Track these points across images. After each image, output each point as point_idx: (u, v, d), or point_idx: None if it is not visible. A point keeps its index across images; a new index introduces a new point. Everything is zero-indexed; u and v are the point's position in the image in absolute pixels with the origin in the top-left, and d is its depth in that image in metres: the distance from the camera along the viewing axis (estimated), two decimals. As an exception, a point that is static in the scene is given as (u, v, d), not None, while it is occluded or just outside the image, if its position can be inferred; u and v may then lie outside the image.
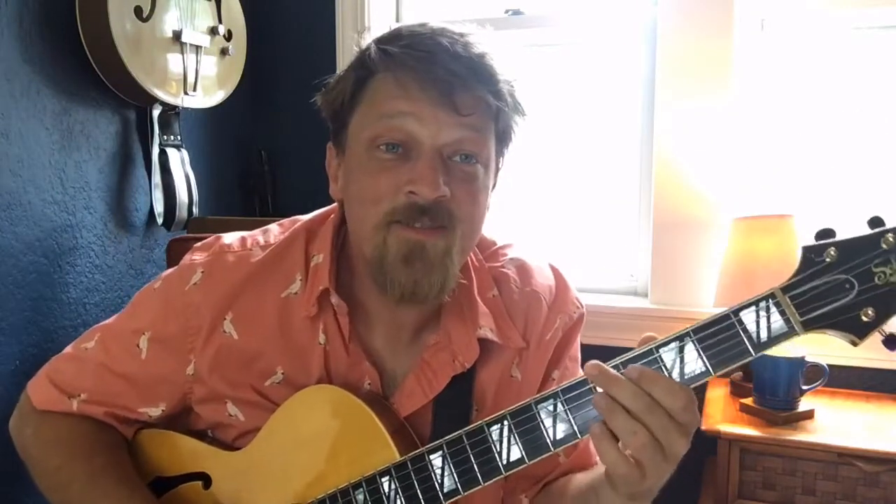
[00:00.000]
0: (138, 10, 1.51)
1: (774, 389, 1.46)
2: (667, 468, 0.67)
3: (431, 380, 0.87)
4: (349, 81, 0.83)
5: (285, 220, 0.98)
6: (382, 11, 2.05)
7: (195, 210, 1.77)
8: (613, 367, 0.69)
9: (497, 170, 0.90)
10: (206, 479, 0.93)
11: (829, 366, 1.49)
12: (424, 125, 0.78)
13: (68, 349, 0.99)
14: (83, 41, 1.49)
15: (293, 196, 2.11)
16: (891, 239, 0.62)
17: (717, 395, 1.62)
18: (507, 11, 1.99)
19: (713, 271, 1.67)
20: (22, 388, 1.02)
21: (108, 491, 0.89)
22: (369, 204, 0.80)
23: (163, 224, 1.73)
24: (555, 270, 0.99)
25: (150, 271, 1.72)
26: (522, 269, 0.96)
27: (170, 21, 1.59)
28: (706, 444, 1.48)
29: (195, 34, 1.65)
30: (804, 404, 1.48)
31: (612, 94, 1.96)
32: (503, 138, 0.88)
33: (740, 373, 1.64)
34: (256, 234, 0.96)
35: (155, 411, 0.94)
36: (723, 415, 1.50)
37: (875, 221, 0.64)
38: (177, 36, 1.60)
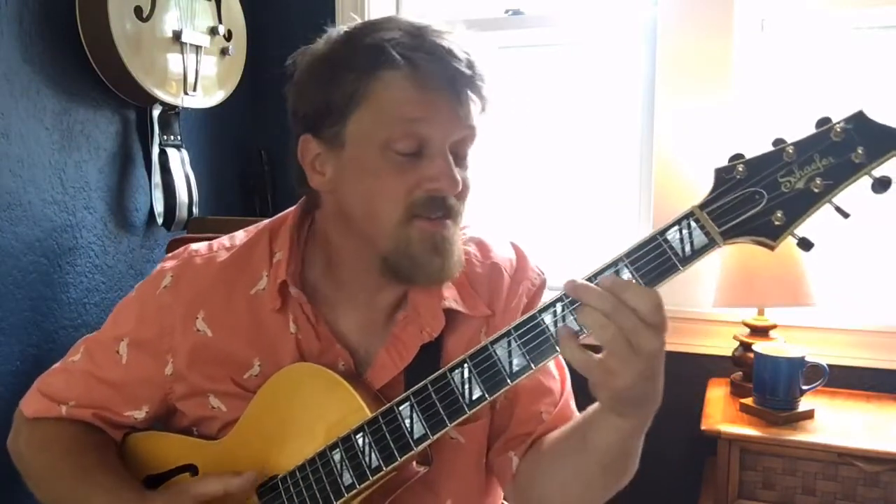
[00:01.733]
0: (138, 10, 1.51)
1: (774, 389, 1.46)
2: (641, 365, 0.69)
3: (402, 351, 0.91)
4: (349, 77, 0.84)
5: (251, 226, 1.03)
6: (382, 11, 2.05)
7: (195, 210, 1.77)
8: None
9: None
10: (193, 470, 0.95)
11: (829, 366, 1.49)
12: (438, 127, 0.83)
13: (57, 365, 1.03)
14: (83, 41, 1.49)
15: (293, 196, 2.10)
16: (791, 151, 0.68)
17: (717, 395, 1.62)
18: (507, 11, 1.99)
19: (713, 271, 1.67)
20: (22, 387, 1.03)
21: (99, 482, 0.92)
22: (387, 202, 0.84)
23: (163, 224, 1.73)
24: (514, 245, 1.04)
25: (150, 271, 1.70)
26: (481, 245, 1.01)
27: (170, 21, 1.59)
28: (706, 444, 1.48)
29: (195, 34, 1.65)
30: (804, 404, 1.48)
31: (612, 93, 1.96)
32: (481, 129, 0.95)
33: (740, 373, 1.64)
34: (223, 239, 1.01)
35: (139, 414, 0.98)
36: (723, 415, 1.50)
37: (777, 141, 0.70)
38: (177, 36, 1.60)
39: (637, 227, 1.92)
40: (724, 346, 1.71)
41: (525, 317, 0.75)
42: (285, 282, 0.91)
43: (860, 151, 0.67)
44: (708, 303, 1.65)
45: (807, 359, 1.47)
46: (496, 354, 0.76)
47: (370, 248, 0.88)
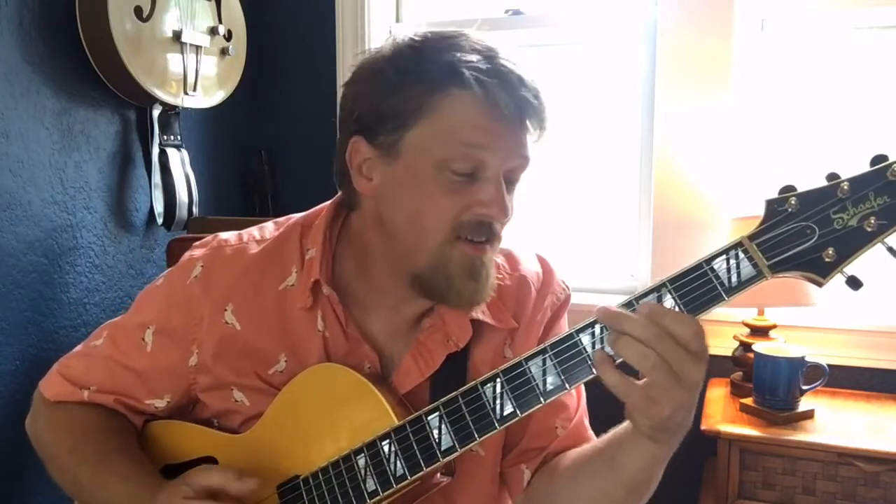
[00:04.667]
0: (138, 10, 1.51)
1: (774, 389, 1.46)
2: (683, 396, 0.69)
3: (427, 359, 0.91)
4: (418, 89, 0.83)
5: (280, 219, 1.02)
6: (382, 11, 2.05)
7: (195, 210, 1.77)
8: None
9: None
10: (213, 462, 0.94)
11: (829, 366, 1.49)
12: (497, 154, 0.83)
13: (78, 348, 1.02)
14: (83, 41, 1.49)
15: (293, 196, 2.11)
16: (845, 187, 0.67)
17: (717, 395, 1.62)
18: (507, 11, 1.99)
19: (713, 271, 1.67)
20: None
21: (118, 469, 0.91)
22: (435, 219, 0.84)
23: (163, 224, 1.73)
24: (541, 258, 1.04)
25: (150, 271, 1.72)
26: (510, 257, 1.01)
27: (170, 21, 1.59)
28: (706, 444, 1.48)
29: (195, 34, 1.65)
30: (804, 404, 1.48)
31: (612, 94, 1.96)
32: None
33: (740, 373, 1.64)
34: (252, 231, 1.00)
35: (161, 403, 0.98)
36: (723, 415, 1.50)
37: (832, 175, 0.69)
38: (177, 36, 1.60)
39: (637, 227, 1.92)
40: (724, 346, 1.70)
41: (562, 335, 0.75)
42: (318, 281, 0.91)
43: None
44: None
45: (807, 359, 1.47)
46: (530, 371, 0.75)
47: (405, 261, 0.87)
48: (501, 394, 0.76)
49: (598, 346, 0.72)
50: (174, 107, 1.69)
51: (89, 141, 1.58)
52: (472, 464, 0.92)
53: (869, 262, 0.71)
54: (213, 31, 1.71)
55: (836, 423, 1.46)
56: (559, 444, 0.95)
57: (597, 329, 0.73)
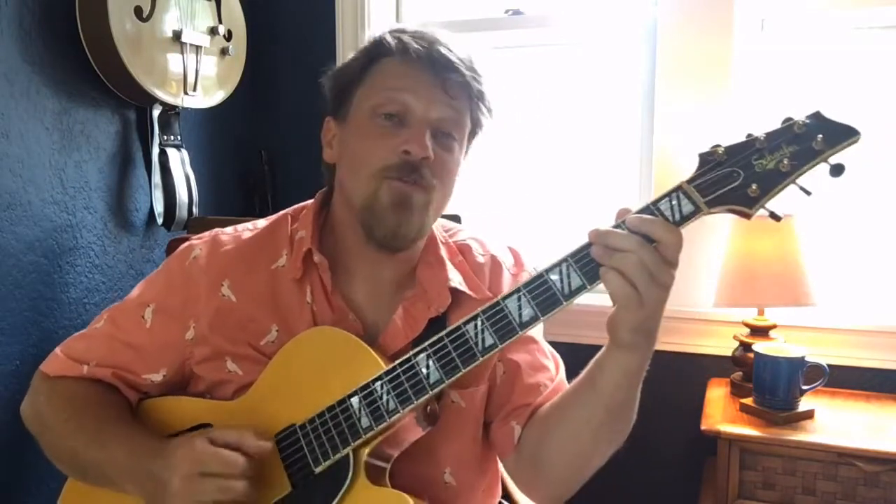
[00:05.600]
0: (138, 10, 1.51)
1: (774, 389, 1.46)
2: (659, 294, 0.79)
3: (412, 324, 0.99)
4: (359, 62, 0.99)
5: (272, 216, 1.11)
6: (382, 11, 2.05)
7: (195, 210, 1.77)
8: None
9: (465, 155, 1.04)
10: (209, 428, 0.95)
11: (829, 366, 1.49)
12: (419, 99, 0.95)
13: (80, 332, 1.08)
14: (83, 41, 1.49)
15: (293, 196, 2.09)
16: (762, 139, 0.81)
17: (717, 395, 1.62)
18: (507, 11, 1.99)
19: (713, 271, 1.67)
20: (22, 388, 1.04)
21: (118, 432, 0.95)
22: (367, 160, 0.95)
23: (163, 224, 1.73)
24: (511, 249, 1.14)
25: (150, 271, 1.70)
26: (480, 241, 1.12)
27: (170, 21, 1.59)
28: (706, 444, 1.48)
29: (195, 34, 1.65)
30: (804, 404, 1.48)
31: (612, 93, 1.96)
32: (474, 128, 1.03)
33: (740, 373, 1.64)
34: (247, 224, 1.10)
35: (157, 377, 1.02)
36: (723, 415, 1.50)
37: (749, 133, 0.82)
38: (177, 36, 1.60)
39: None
40: (724, 346, 1.71)
41: (533, 276, 0.84)
42: (310, 250, 0.99)
43: (819, 139, 0.80)
44: (708, 303, 1.65)
45: (807, 359, 1.47)
46: (507, 308, 0.84)
47: (353, 210, 0.97)
48: (482, 329, 0.84)
49: (565, 281, 0.82)
50: (174, 107, 1.69)
51: (89, 141, 1.58)
52: (455, 415, 0.99)
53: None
54: (213, 31, 1.71)
55: (836, 423, 1.47)
56: (544, 399, 1.01)
57: (563, 267, 0.82)
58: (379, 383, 0.88)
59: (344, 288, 1.01)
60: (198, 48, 1.66)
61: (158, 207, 1.71)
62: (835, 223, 1.74)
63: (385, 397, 0.87)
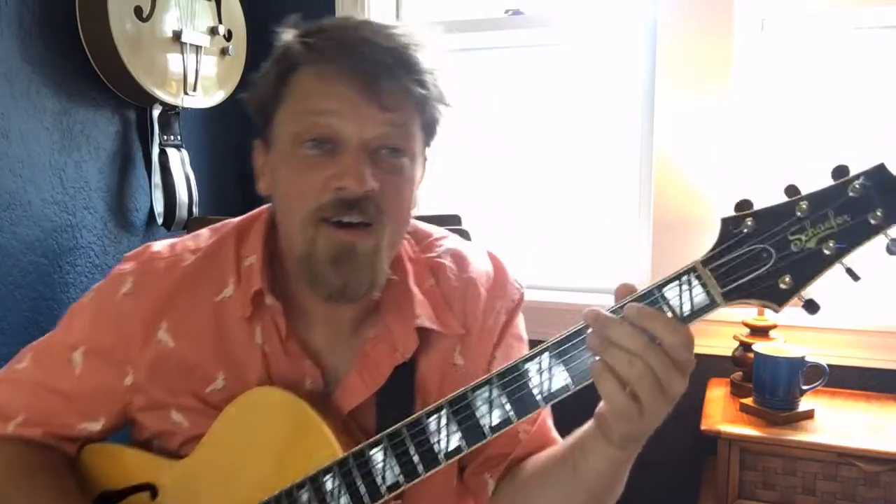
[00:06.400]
0: (138, 10, 1.51)
1: (774, 389, 1.46)
2: (664, 407, 0.66)
3: (374, 372, 0.87)
4: (272, 76, 0.84)
5: (217, 224, 0.98)
6: (382, 11, 2.05)
7: (195, 210, 1.77)
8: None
9: (424, 160, 0.90)
10: (152, 490, 0.92)
11: (829, 366, 1.49)
12: (349, 121, 0.79)
13: (1, 372, 0.96)
14: (83, 41, 1.49)
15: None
16: (804, 206, 0.63)
17: (717, 395, 1.62)
18: (507, 11, 1.99)
19: (713, 271, 1.67)
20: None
21: None
22: (297, 200, 0.81)
23: (163, 224, 1.73)
24: (492, 257, 1.00)
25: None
26: (458, 257, 0.96)
27: (170, 21, 1.59)
28: (706, 444, 1.48)
29: (195, 34, 1.65)
30: (804, 404, 1.48)
31: (612, 94, 1.96)
32: (429, 129, 0.88)
33: (740, 373, 1.64)
34: (186, 240, 0.96)
35: (95, 426, 0.92)
36: (723, 415, 1.50)
37: (791, 190, 0.64)
38: (177, 36, 1.60)
39: (637, 227, 1.92)
40: (724, 346, 1.70)
41: (508, 365, 0.72)
42: (261, 290, 0.86)
43: (879, 214, 0.61)
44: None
45: (807, 359, 1.47)
46: (475, 404, 0.72)
47: (294, 260, 0.84)
48: (447, 426, 0.73)
49: (545, 374, 0.69)
50: (174, 107, 1.68)
51: (89, 141, 1.58)
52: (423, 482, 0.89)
53: (869, 263, 0.70)
54: (213, 31, 1.71)
55: (836, 423, 1.46)
56: (523, 450, 0.92)
57: (545, 358, 0.70)
58: (329, 477, 0.78)
59: (300, 330, 0.90)
60: (198, 48, 1.66)
61: (158, 207, 1.71)
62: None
63: (336, 494, 0.77)
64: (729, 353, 1.66)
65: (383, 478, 0.76)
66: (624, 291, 0.69)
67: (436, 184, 2.13)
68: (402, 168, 0.83)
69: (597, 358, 0.67)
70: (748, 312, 1.64)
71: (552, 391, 0.70)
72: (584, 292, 1.93)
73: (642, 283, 0.70)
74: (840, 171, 0.63)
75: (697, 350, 1.93)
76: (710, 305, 0.66)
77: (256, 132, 0.91)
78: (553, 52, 2.02)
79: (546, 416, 0.96)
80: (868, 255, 0.68)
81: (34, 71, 1.45)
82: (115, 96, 1.59)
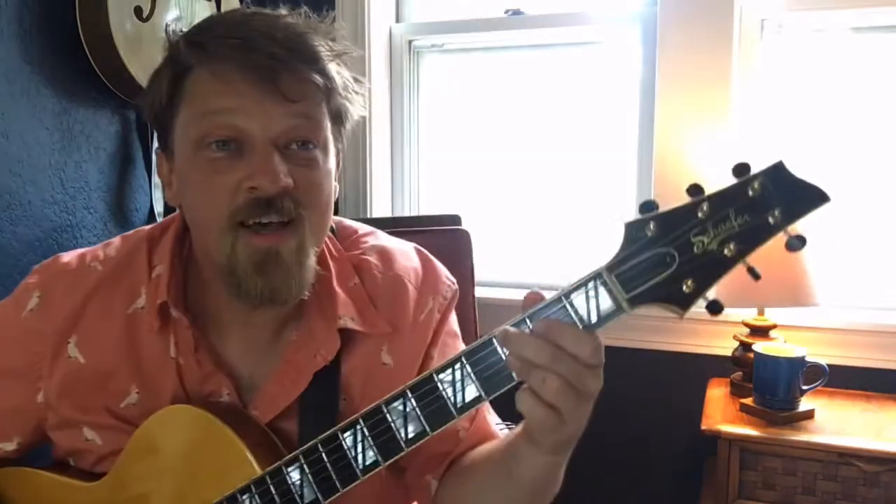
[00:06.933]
0: (138, 10, 1.51)
1: (774, 389, 1.46)
2: (585, 409, 0.67)
3: (295, 378, 0.85)
4: (164, 81, 0.80)
5: (129, 232, 0.95)
6: (382, 11, 2.05)
7: (195, 210, 1.77)
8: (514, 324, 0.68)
9: (338, 151, 0.87)
10: None
11: (829, 366, 1.49)
12: (253, 118, 0.76)
13: None
14: (83, 41, 1.49)
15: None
16: (705, 208, 0.62)
17: (717, 394, 1.62)
18: (507, 11, 1.99)
19: (713, 271, 1.67)
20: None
21: None
22: (209, 207, 0.78)
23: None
24: (420, 253, 0.97)
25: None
26: (384, 254, 0.94)
27: (170, 21, 1.59)
28: (706, 444, 1.48)
29: (195, 34, 1.65)
30: (804, 404, 1.48)
31: (611, 94, 1.96)
32: (338, 117, 0.85)
33: (740, 373, 1.64)
34: (97, 249, 0.92)
35: (9, 445, 0.90)
36: (723, 415, 1.50)
37: (692, 189, 0.64)
38: (177, 36, 1.60)
39: (637, 227, 1.92)
40: (724, 346, 1.70)
41: (421, 377, 0.71)
42: (166, 303, 0.83)
43: (777, 213, 0.60)
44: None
45: (807, 359, 1.47)
46: (391, 417, 0.71)
47: (215, 270, 0.81)
48: (363, 441, 0.72)
49: (458, 388, 0.69)
50: (174, 107, 1.68)
51: (89, 141, 1.58)
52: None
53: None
54: (213, 31, 1.71)
55: (836, 423, 1.46)
56: (464, 447, 0.91)
57: (457, 369, 0.68)
58: (247, 497, 0.76)
59: (214, 340, 0.87)
60: (198, 48, 1.66)
61: (158, 207, 1.71)
62: (835, 223, 1.74)
63: None
64: (729, 353, 1.66)
65: (301, 496, 0.75)
66: (531, 299, 0.68)
67: (436, 184, 2.14)
68: (316, 160, 0.80)
69: (510, 365, 0.67)
70: (748, 313, 1.64)
71: (466, 402, 0.69)
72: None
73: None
74: (740, 170, 0.63)
75: (697, 350, 1.93)
76: (617, 311, 0.65)
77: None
78: (553, 52, 2.02)
79: (485, 409, 0.94)
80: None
81: (34, 71, 1.45)
82: (115, 96, 1.59)
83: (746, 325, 1.63)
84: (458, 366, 0.69)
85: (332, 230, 0.93)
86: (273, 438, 0.84)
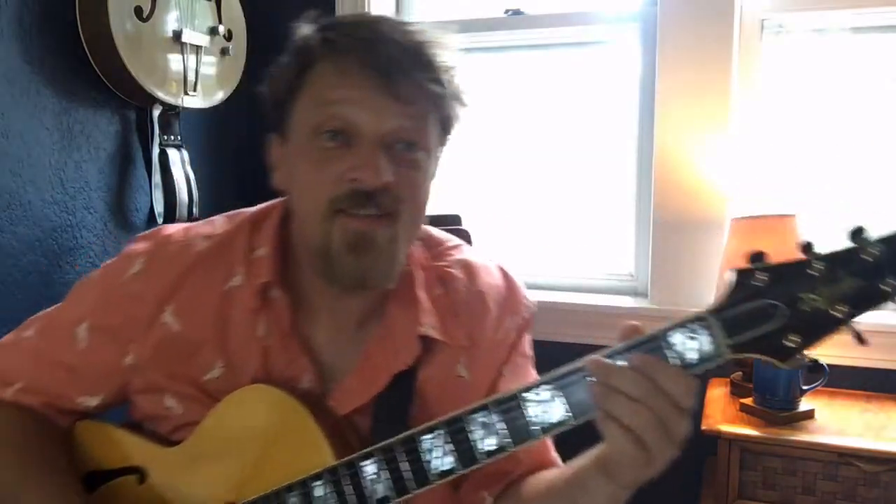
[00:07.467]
0: (138, 10, 1.51)
1: (774, 389, 1.46)
2: (670, 451, 0.67)
3: (373, 377, 0.87)
4: (290, 69, 0.85)
5: (231, 212, 0.98)
6: (382, 11, 2.05)
7: (195, 210, 1.77)
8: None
9: (438, 158, 0.90)
10: (141, 474, 0.92)
11: (829, 366, 1.49)
12: (365, 112, 0.79)
13: (7, 337, 0.98)
14: (83, 41, 1.49)
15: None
16: (820, 267, 0.63)
17: (718, 395, 1.62)
18: (507, 11, 1.99)
19: (713, 271, 1.67)
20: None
21: (40, 482, 0.87)
22: (313, 193, 0.81)
23: (163, 224, 1.73)
24: (503, 271, 0.99)
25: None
26: (469, 268, 0.96)
27: (170, 21, 1.59)
28: (706, 444, 1.48)
29: (195, 34, 1.65)
30: (804, 404, 1.48)
31: (612, 94, 1.96)
32: (445, 126, 0.89)
33: (740, 373, 1.64)
34: (200, 225, 0.96)
35: (93, 401, 0.93)
36: (723, 415, 1.50)
37: (806, 246, 0.65)
38: (177, 36, 1.60)
39: (637, 227, 1.92)
40: (724, 346, 1.70)
41: (507, 394, 0.71)
42: (266, 283, 0.87)
43: (891, 281, 0.62)
44: (708, 302, 1.65)
45: (807, 359, 1.47)
46: (472, 428, 0.71)
47: (310, 253, 0.85)
48: (442, 447, 0.72)
49: (540, 410, 0.69)
50: (174, 107, 1.68)
51: (89, 141, 1.58)
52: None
53: None
54: (213, 31, 1.71)
55: (836, 423, 1.46)
56: (523, 469, 0.91)
57: (544, 391, 0.69)
58: (319, 484, 0.78)
59: (304, 325, 0.89)
60: (198, 48, 1.66)
61: (158, 207, 1.71)
62: (835, 223, 1.74)
63: (325, 501, 0.77)
64: (729, 353, 1.66)
65: (374, 490, 0.76)
66: (629, 332, 0.68)
67: (436, 183, 2.14)
68: (418, 162, 0.84)
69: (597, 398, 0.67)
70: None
71: (551, 423, 0.69)
72: (584, 293, 1.93)
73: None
74: (856, 233, 0.63)
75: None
76: (715, 356, 0.65)
77: (263, 129, 0.91)
78: (553, 52, 2.02)
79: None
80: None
81: (34, 71, 1.45)
82: (115, 96, 1.59)
83: (746, 325, 1.63)
84: (546, 388, 0.69)
85: (420, 238, 0.95)
86: (347, 432, 0.85)
